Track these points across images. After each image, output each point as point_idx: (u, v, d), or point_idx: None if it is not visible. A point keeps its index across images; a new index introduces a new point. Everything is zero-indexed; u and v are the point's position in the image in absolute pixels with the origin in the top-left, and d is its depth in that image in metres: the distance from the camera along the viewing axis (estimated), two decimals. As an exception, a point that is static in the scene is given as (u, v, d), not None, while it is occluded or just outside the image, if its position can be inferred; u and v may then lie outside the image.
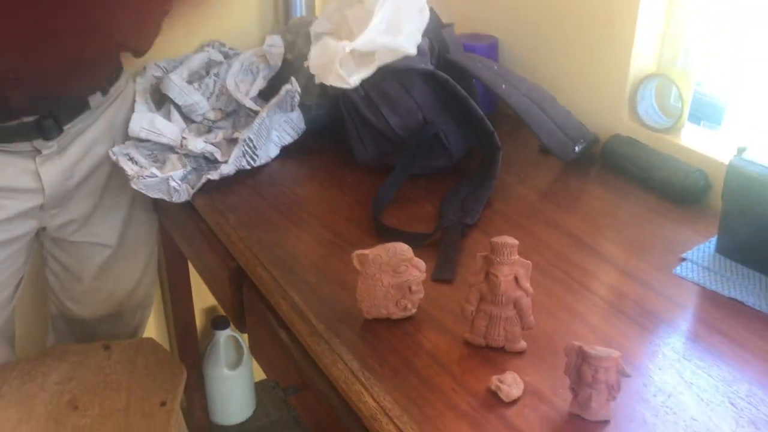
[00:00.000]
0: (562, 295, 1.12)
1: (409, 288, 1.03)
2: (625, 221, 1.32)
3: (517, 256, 0.97)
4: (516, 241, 0.97)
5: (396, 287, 1.03)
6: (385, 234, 1.25)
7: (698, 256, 1.21)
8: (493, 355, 1.00)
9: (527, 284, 0.98)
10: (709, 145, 1.36)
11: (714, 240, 1.24)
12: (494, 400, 0.93)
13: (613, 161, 1.49)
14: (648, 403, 0.92)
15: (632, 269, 1.18)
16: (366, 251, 1.02)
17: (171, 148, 1.45)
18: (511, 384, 0.92)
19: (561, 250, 1.22)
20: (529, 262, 0.99)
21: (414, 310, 1.06)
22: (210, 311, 2.19)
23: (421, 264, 1.04)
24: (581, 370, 0.88)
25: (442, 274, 1.15)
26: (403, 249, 1.02)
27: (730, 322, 1.06)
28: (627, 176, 1.44)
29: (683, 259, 1.21)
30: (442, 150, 1.44)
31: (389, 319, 1.05)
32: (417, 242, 1.16)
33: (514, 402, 0.92)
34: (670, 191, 1.38)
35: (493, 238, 0.97)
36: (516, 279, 0.98)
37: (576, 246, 1.24)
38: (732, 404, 0.92)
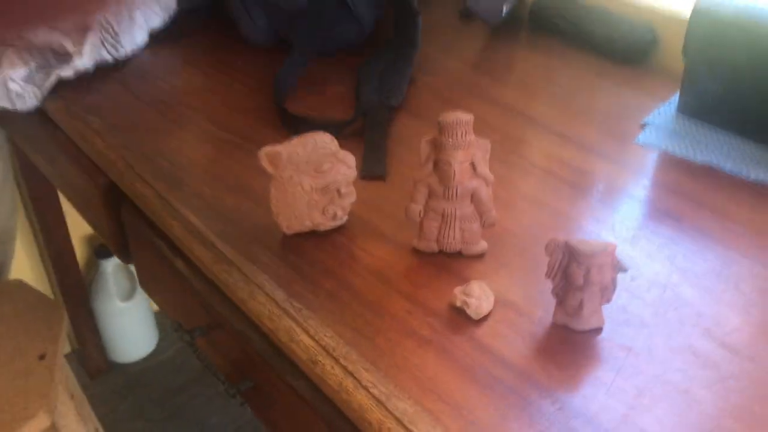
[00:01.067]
0: (518, 182, 0.93)
1: (338, 190, 0.81)
2: (569, 88, 1.13)
3: (472, 136, 0.76)
4: (470, 116, 0.76)
5: (321, 191, 0.81)
6: (293, 125, 1.01)
7: (660, 120, 1.05)
8: (450, 262, 0.81)
9: (486, 170, 0.78)
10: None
11: (674, 101, 1.08)
12: (461, 318, 0.74)
13: (544, 21, 1.29)
14: (642, 301, 0.76)
15: (590, 142, 1.01)
16: (277, 147, 0.78)
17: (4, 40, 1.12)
18: (479, 296, 0.74)
19: (506, 129, 1.03)
20: (487, 141, 0.78)
21: (345, 218, 0.84)
22: (92, 239, 1.90)
23: (350, 158, 0.82)
24: (570, 271, 0.70)
25: (372, 169, 0.94)
26: (325, 140, 0.79)
27: (713, 194, 0.91)
28: (561, 38, 1.25)
29: (644, 126, 1.04)
30: (348, 18, 1.19)
31: (315, 231, 0.84)
32: (334, 132, 0.93)
33: (485, 318, 0.74)
34: (612, 50, 1.20)
35: (441, 115, 0.75)
36: (472, 165, 0.77)
37: (521, 121, 1.05)
38: (738, 289, 0.77)
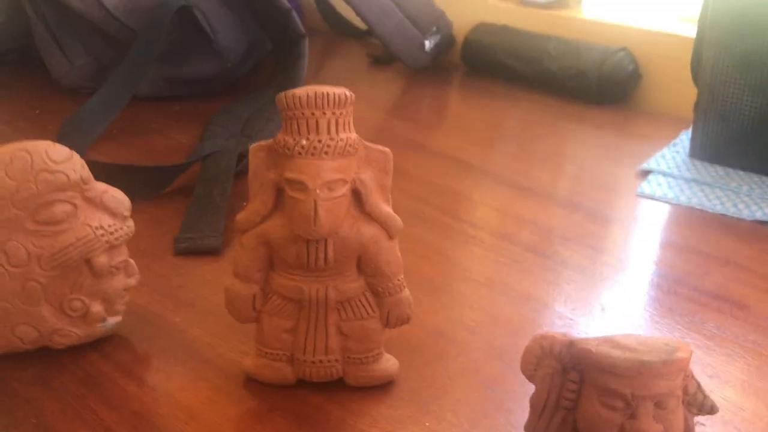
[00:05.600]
0: (458, 254, 0.54)
1: (89, 262, 0.40)
2: (524, 133, 0.78)
3: (354, 135, 0.37)
4: (346, 93, 0.36)
5: (50, 263, 0.39)
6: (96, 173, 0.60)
7: (665, 164, 0.68)
8: (321, 404, 0.39)
9: (387, 207, 0.38)
10: (629, 12, 0.85)
11: (679, 143, 0.72)
12: None
13: (481, 60, 0.94)
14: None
15: (564, 195, 0.63)
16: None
17: None
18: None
19: (438, 181, 0.65)
20: (386, 151, 0.39)
21: (114, 322, 0.42)
22: None
23: (123, 202, 0.41)
24: (587, 413, 0.28)
25: (195, 238, 0.53)
26: (52, 155, 0.39)
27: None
28: (506, 78, 0.91)
29: (644, 173, 0.67)
30: (204, 45, 0.81)
31: (46, 349, 0.41)
32: (157, 184, 0.55)
33: None
34: (579, 88, 0.85)
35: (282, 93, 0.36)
36: (357, 196, 0.37)
37: (460, 171, 0.67)
38: None
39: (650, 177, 0.67)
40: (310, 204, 0.35)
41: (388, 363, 0.40)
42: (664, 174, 0.67)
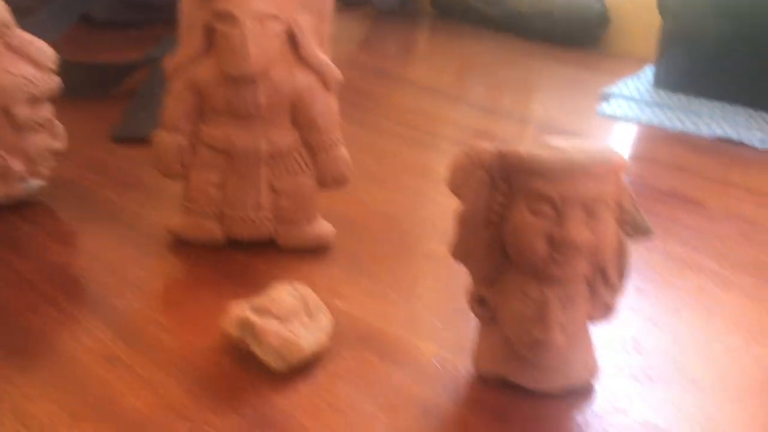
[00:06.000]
0: (433, 164, 0.52)
1: (17, 112, 0.38)
2: (493, 67, 0.77)
3: (287, -29, 0.35)
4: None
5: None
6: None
7: (627, 91, 0.67)
8: (253, 263, 0.37)
9: (323, 55, 0.36)
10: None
11: (643, 75, 0.72)
12: (248, 371, 0.29)
13: (450, 3, 0.93)
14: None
15: (529, 115, 0.61)
16: None
17: None
18: (289, 314, 0.30)
19: (409, 106, 0.64)
20: (322, -5, 0.37)
21: (36, 185, 0.40)
22: None
23: (47, 53, 0.39)
24: (518, 225, 0.27)
25: (134, 128, 0.51)
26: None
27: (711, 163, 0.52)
28: (475, 21, 0.90)
29: (605, 97, 0.66)
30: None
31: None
32: (113, 80, 0.53)
33: (309, 370, 0.29)
34: (547, 29, 0.85)
35: None
36: (293, 37, 0.36)
37: (431, 97, 0.66)
38: None
39: (611, 100, 0.65)
40: (238, 36, 0.33)
41: (324, 227, 0.38)
42: (626, 98, 0.66)
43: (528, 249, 0.27)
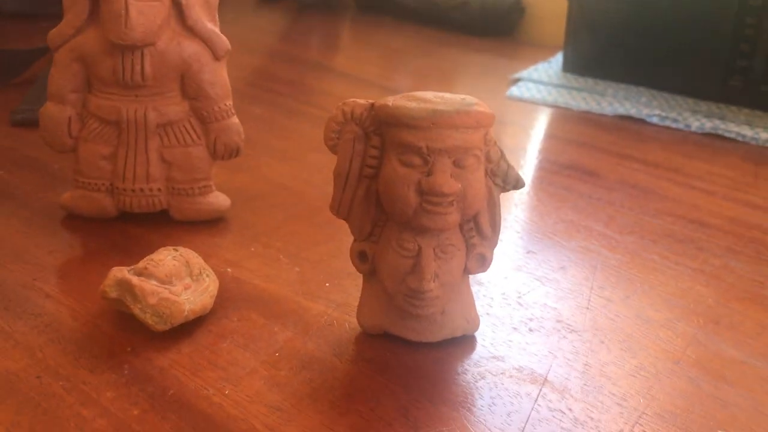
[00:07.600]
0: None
1: None
2: (408, 54, 0.77)
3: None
4: None
5: None
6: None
7: (536, 75, 0.69)
8: (144, 235, 0.37)
9: (212, 26, 0.37)
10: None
11: (554, 61, 0.74)
12: (130, 334, 0.29)
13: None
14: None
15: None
16: None
17: None
18: (171, 275, 0.30)
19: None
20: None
21: None
22: None
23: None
24: (389, 175, 0.28)
25: (35, 111, 0.50)
26: None
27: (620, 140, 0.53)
28: (395, 14, 0.92)
29: (514, 81, 0.68)
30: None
31: None
32: (6, 69, 0.53)
33: (189, 330, 0.30)
34: (463, 19, 0.87)
35: None
36: (179, 6, 0.36)
37: (333, 78, 0.66)
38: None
39: (520, 83, 0.67)
40: (120, 3, 0.33)
41: (218, 198, 0.39)
42: (535, 81, 0.68)
43: (399, 200, 0.27)
